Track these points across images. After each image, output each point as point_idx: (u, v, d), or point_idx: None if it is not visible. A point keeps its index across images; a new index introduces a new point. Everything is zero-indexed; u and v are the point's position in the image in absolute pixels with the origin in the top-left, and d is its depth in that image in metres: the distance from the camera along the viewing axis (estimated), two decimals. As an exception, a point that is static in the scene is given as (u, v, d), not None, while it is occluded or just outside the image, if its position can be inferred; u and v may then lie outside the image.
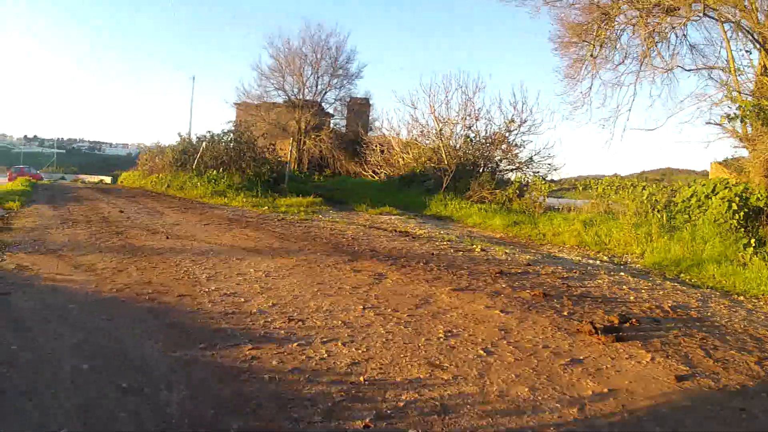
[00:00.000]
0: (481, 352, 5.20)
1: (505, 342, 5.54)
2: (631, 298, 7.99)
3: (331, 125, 46.05)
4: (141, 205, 19.79)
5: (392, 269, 8.88)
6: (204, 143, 29.43)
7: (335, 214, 18.04)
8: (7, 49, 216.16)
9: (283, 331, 5.50)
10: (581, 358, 5.20)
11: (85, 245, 10.46)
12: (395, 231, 13.96)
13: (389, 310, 6.43)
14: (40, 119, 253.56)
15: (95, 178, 68.42)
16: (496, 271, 9.14)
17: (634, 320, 6.50)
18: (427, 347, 5.19)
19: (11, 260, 8.75)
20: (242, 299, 6.72)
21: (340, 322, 5.89)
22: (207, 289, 7.28)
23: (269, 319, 5.88)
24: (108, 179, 66.38)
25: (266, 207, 19.29)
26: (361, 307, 6.46)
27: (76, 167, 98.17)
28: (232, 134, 30.03)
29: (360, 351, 5.00)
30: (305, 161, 43.12)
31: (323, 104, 44.85)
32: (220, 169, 27.66)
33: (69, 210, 17.40)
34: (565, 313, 6.75)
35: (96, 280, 7.55)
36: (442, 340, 5.42)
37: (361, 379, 4.43)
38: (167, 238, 11.75)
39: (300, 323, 5.80)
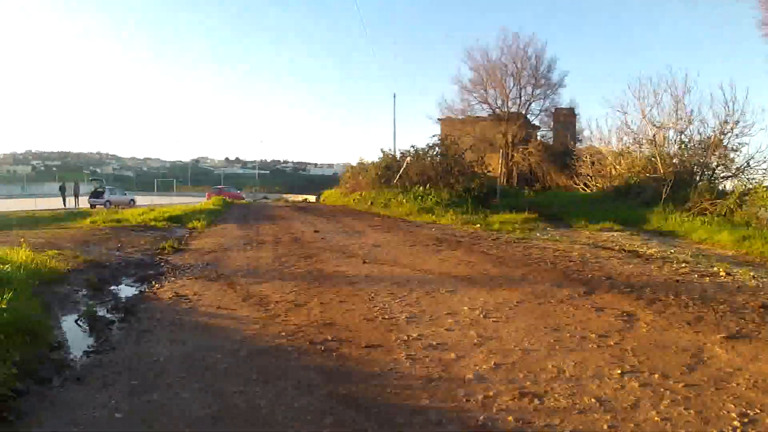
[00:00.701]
0: None
1: None
2: None
3: (538, 137, 45.81)
4: (339, 224, 19.66)
5: (640, 306, 7.35)
6: (408, 158, 29.21)
7: (553, 231, 16.97)
8: (208, 75, 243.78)
9: (513, 417, 3.89)
10: None
11: (264, 271, 9.75)
12: (623, 251, 12.94)
13: (656, 375, 4.77)
14: (242, 142, 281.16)
15: (299, 198, 72.91)
16: (758, 304, 7.47)
17: None
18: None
19: (171, 288, 8.14)
20: (453, 355, 5.23)
21: (593, 399, 4.24)
22: (406, 337, 5.70)
23: (492, 392, 4.32)
24: (313, 198, 70.54)
25: (478, 224, 18.41)
26: (618, 371, 4.84)
27: (281, 187, 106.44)
28: (437, 148, 29.81)
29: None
30: (514, 175, 42.34)
31: (528, 116, 44.87)
32: (427, 185, 27.00)
33: (258, 230, 17.55)
34: None
35: (263, 319, 6.34)
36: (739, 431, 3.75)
37: None
38: (364, 262, 10.70)
39: (537, 401, 4.19)
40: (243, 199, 57.07)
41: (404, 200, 25.89)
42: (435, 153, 29.57)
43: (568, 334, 5.88)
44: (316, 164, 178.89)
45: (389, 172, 30.39)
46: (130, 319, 6.37)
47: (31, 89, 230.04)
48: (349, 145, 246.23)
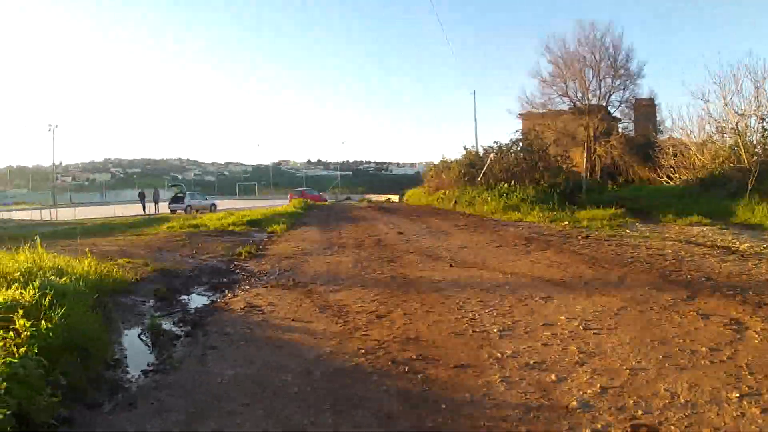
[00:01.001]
0: None
1: None
2: None
3: (619, 129, 44.87)
4: (424, 224, 19.37)
5: (747, 311, 6.77)
6: (491, 155, 28.75)
7: (642, 227, 16.46)
8: (289, 79, 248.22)
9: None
10: None
11: (344, 277, 9.47)
12: (716, 246, 12.50)
13: (775, 398, 4.18)
14: (324, 144, 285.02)
15: (382, 197, 73.20)
16: None
17: None
18: None
19: (244, 297, 7.97)
20: (553, 376, 4.77)
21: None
22: (499, 354, 5.22)
23: (600, 424, 3.83)
24: (395, 198, 70.73)
25: (566, 222, 18.19)
26: (736, 393, 4.31)
27: (363, 188, 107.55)
28: (520, 143, 29.34)
29: None
30: (597, 169, 41.45)
31: (609, 108, 44.00)
32: (511, 182, 26.45)
33: (339, 233, 17.47)
34: None
35: (341, 333, 5.98)
36: None
37: None
38: (450, 266, 10.30)
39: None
40: (325, 200, 57.46)
41: (489, 198, 25.50)
42: (518, 149, 29.08)
43: (677, 348, 5.36)
44: (398, 164, 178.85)
45: (473, 169, 30.08)
46: (197, 333, 6.17)
47: (110, 98, 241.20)
48: (431, 144, 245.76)
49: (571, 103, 43.07)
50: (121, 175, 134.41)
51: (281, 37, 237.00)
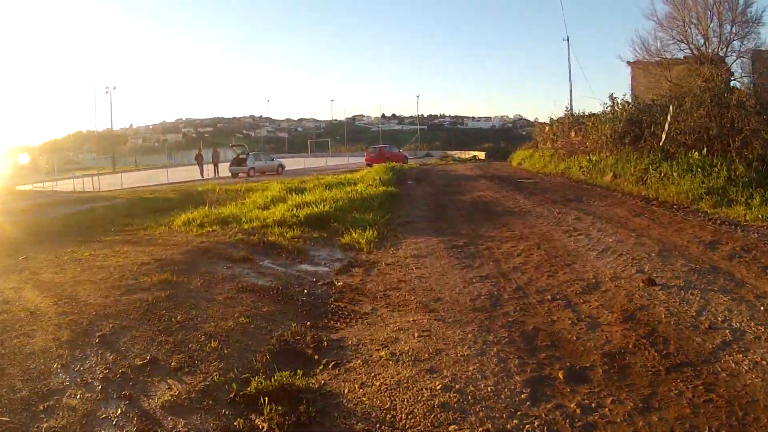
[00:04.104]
0: None
1: None
2: None
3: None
4: (591, 215, 11.52)
5: None
6: (671, 107, 18.21)
7: None
8: (362, 33, 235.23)
9: None
10: None
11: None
12: None
13: None
14: (397, 98, 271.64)
15: (467, 154, 64.11)
16: None
17: None
18: None
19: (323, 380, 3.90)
20: None
21: None
22: None
23: None
24: (481, 155, 61.55)
25: None
26: None
27: (439, 143, 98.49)
28: (713, 90, 18.40)
29: None
30: None
31: (727, 59, 34.07)
32: (703, 150, 16.10)
33: (491, 254, 8.70)
34: None
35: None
36: None
37: None
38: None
39: None
40: (406, 160, 47.83)
41: (675, 173, 15.49)
42: (712, 99, 18.08)
43: None
44: (473, 117, 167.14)
45: (635, 128, 19.97)
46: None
47: (180, 57, 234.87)
48: (508, 97, 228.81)
49: (689, 51, 33.45)
50: (193, 135, 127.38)
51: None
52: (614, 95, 24.14)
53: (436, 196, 17.00)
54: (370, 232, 10.00)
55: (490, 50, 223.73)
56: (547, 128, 31.19)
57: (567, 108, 27.60)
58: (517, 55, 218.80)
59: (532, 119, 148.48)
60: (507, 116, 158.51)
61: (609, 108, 23.20)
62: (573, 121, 27.23)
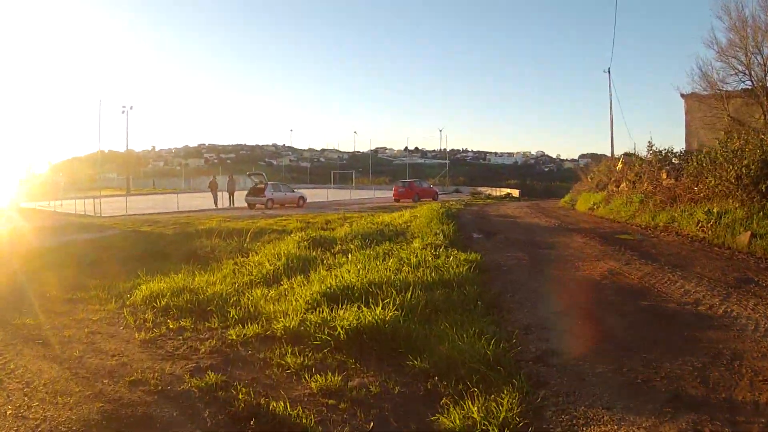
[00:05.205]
0: None
1: None
2: None
3: None
4: None
5: None
6: None
7: None
8: (386, 67, 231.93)
9: None
10: None
11: None
12: None
13: None
14: (420, 131, 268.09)
15: (498, 191, 59.09)
16: None
17: None
18: None
19: None
20: None
21: None
22: None
23: None
24: (515, 192, 57.59)
25: None
26: None
27: (464, 178, 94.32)
28: None
29: None
30: None
31: None
32: None
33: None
34: None
35: None
36: None
37: None
38: None
39: None
40: (437, 197, 42.96)
41: None
42: None
43: None
44: (495, 153, 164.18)
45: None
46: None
47: (206, 82, 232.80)
48: (530, 133, 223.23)
49: (751, 83, 29.00)
50: (215, 160, 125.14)
51: (378, 24, 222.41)
52: (729, 131, 18.80)
53: (541, 270, 9.81)
54: (503, 397, 4.12)
55: (516, 87, 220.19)
56: (619, 166, 25.90)
57: (649, 146, 21.96)
58: (545, 90, 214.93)
59: (554, 156, 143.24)
60: (529, 152, 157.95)
61: (722, 144, 17.51)
62: (661, 159, 21.84)
